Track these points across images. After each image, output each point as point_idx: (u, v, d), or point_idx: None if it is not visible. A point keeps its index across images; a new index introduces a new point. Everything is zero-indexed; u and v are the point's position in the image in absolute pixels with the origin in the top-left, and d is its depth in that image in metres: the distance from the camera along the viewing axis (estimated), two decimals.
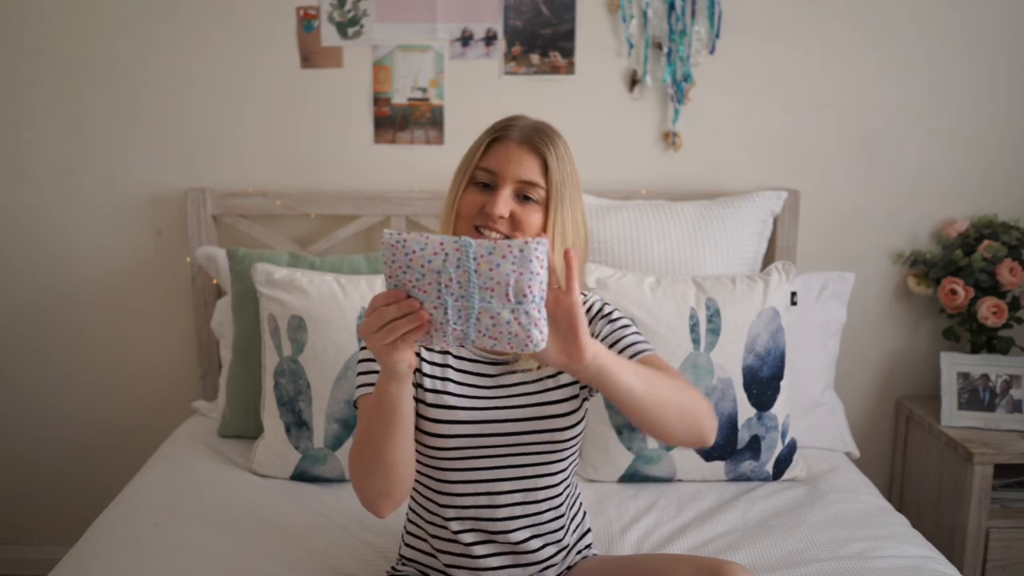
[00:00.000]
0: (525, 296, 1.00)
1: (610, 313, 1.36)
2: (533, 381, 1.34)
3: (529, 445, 1.33)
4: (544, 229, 1.26)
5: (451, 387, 1.33)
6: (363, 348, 1.36)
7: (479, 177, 1.27)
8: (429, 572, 1.42)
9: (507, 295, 1.00)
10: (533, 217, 1.26)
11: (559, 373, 1.34)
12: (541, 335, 1.02)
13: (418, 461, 1.37)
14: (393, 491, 1.21)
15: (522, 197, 1.26)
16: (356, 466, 1.23)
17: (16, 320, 2.42)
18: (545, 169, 1.26)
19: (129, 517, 1.70)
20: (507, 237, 1.24)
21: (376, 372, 1.30)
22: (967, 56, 2.30)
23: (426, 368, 1.34)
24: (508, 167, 1.25)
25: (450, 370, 1.34)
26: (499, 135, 1.28)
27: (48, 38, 2.27)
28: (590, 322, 1.37)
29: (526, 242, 1.00)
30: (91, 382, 2.45)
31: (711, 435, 1.24)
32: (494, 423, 1.32)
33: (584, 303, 1.38)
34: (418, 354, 1.35)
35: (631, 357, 1.28)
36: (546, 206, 1.26)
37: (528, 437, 1.32)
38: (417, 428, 1.33)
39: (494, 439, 1.32)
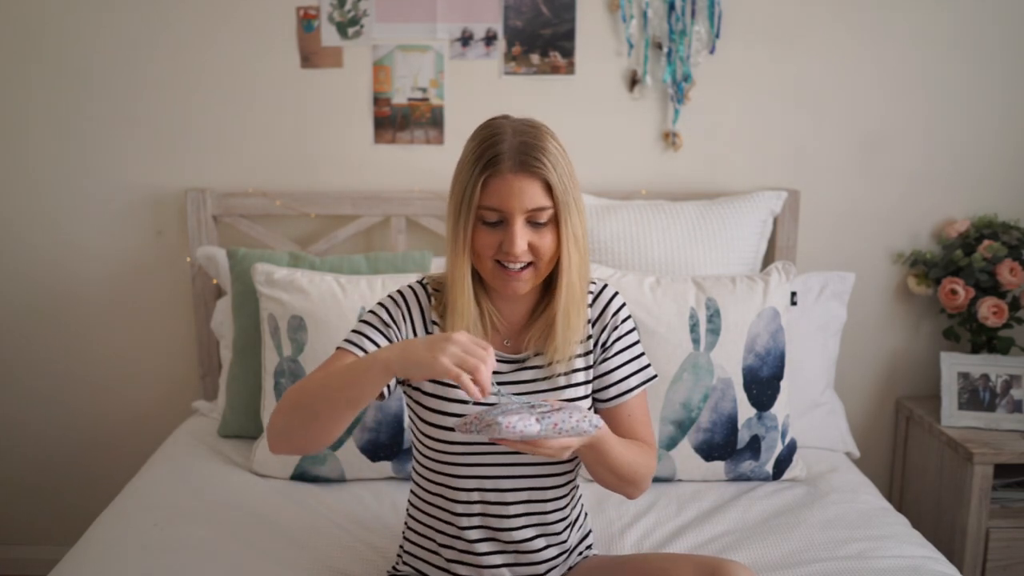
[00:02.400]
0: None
1: (624, 323, 1.38)
2: (545, 379, 1.34)
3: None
4: (558, 245, 1.27)
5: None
6: (374, 310, 1.35)
7: (486, 216, 1.25)
8: (430, 570, 1.43)
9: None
10: (547, 239, 1.26)
11: (572, 371, 1.35)
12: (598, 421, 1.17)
13: (428, 456, 1.37)
14: (303, 447, 1.23)
15: (533, 224, 1.26)
16: (291, 404, 1.22)
17: (16, 320, 2.42)
18: (548, 188, 1.24)
19: (129, 517, 1.70)
20: (529, 265, 1.27)
21: (372, 327, 1.31)
22: (967, 56, 2.30)
23: None
24: (513, 202, 1.23)
25: None
26: (492, 171, 1.23)
27: (48, 39, 2.27)
28: (598, 317, 1.38)
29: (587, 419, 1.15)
30: (91, 382, 2.45)
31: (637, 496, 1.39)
32: None
33: (598, 295, 1.39)
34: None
35: (614, 397, 1.36)
36: (556, 220, 1.26)
37: None
38: (427, 423, 1.34)
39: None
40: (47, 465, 2.50)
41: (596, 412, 1.40)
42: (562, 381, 1.35)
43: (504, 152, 1.23)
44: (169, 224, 2.37)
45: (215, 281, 2.29)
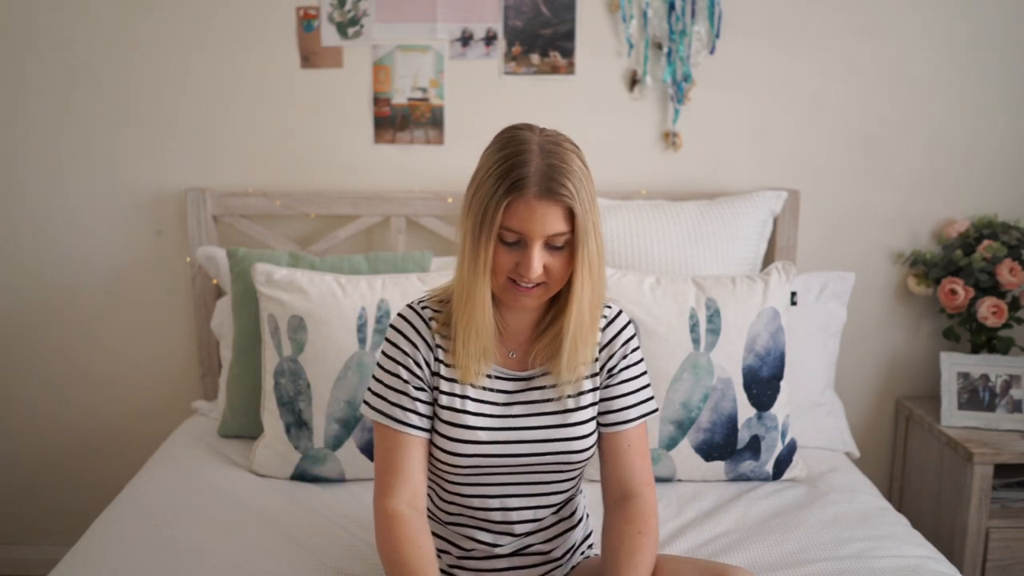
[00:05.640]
0: None
1: (633, 353, 1.37)
2: (554, 400, 1.33)
3: (546, 465, 1.32)
4: (573, 268, 1.24)
5: (469, 405, 1.31)
6: (385, 355, 1.33)
7: (505, 237, 1.21)
8: None
9: None
10: (561, 262, 1.23)
11: (581, 393, 1.33)
12: None
13: (431, 471, 1.36)
14: None
15: (550, 247, 1.22)
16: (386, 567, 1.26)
17: (16, 320, 2.42)
18: (570, 214, 1.20)
19: (129, 517, 1.70)
20: (539, 284, 1.24)
21: (400, 393, 1.29)
22: (967, 56, 2.30)
23: (444, 386, 1.32)
24: (534, 227, 1.19)
25: (468, 387, 1.32)
26: (516, 195, 1.18)
27: (48, 38, 2.27)
28: (608, 343, 1.36)
29: None
30: (91, 382, 2.45)
31: None
32: (511, 443, 1.31)
33: (612, 321, 1.37)
34: (438, 373, 1.32)
35: (612, 424, 1.35)
36: (572, 244, 1.22)
37: (546, 458, 1.32)
38: (432, 443, 1.32)
39: (510, 459, 1.31)
40: (47, 465, 2.50)
41: (598, 435, 1.38)
42: (571, 403, 1.33)
43: (530, 176, 1.18)
44: (169, 224, 2.37)
45: (215, 281, 2.29)
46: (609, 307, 1.38)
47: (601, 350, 1.36)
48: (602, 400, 1.36)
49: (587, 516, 1.51)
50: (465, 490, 1.34)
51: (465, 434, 1.30)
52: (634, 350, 1.37)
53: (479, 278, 1.23)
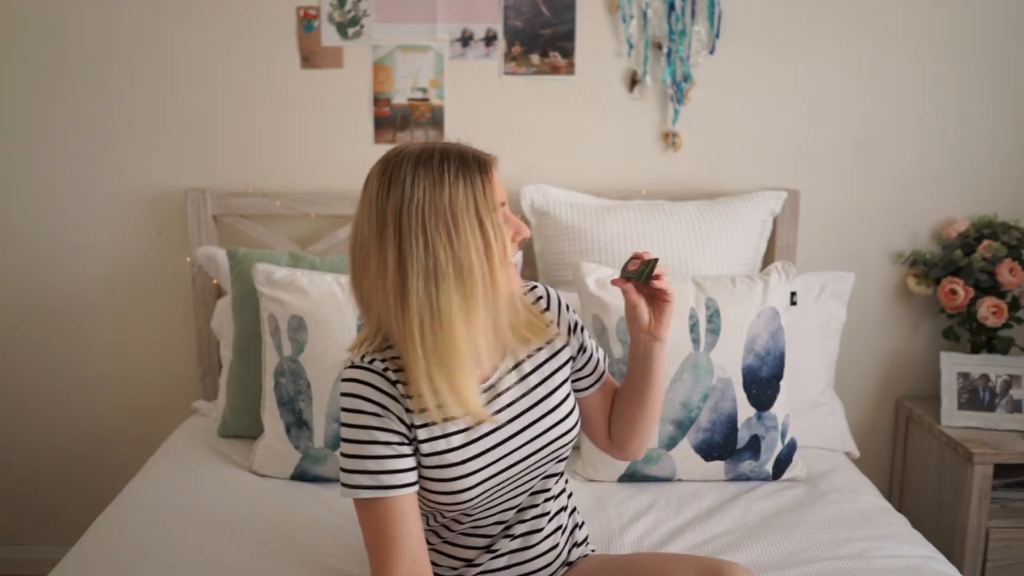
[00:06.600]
0: None
1: (575, 314, 1.40)
2: (524, 396, 1.30)
3: (541, 460, 1.31)
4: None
5: (454, 441, 1.24)
6: (350, 426, 1.20)
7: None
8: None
9: None
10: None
11: (549, 377, 1.32)
12: None
13: (431, 501, 1.30)
14: None
15: None
16: None
17: (16, 320, 2.42)
18: None
19: (129, 517, 1.70)
20: None
21: (380, 458, 1.18)
22: (966, 56, 2.30)
23: (422, 434, 1.22)
24: (503, 189, 1.21)
25: (449, 424, 1.22)
26: (489, 170, 1.17)
27: (48, 40, 2.27)
28: (559, 317, 1.37)
29: None
30: (91, 382, 2.45)
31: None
32: (506, 457, 1.27)
33: (547, 297, 1.38)
34: (413, 425, 1.22)
35: (599, 379, 1.41)
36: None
37: (541, 452, 1.30)
38: (427, 491, 1.25)
39: (508, 471, 1.27)
40: (47, 465, 2.50)
41: (579, 405, 1.40)
42: (541, 392, 1.31)
43: (475, 151, 1.18)
44: (169, 224, 2.37)
45: (215, 281, 2.29)
46: (535, 285, 1.38)
47: (559, 325, 1.37)
48: (579, 368, 1.39)
49: (570, 495, 1.49)
50: (463, 518, 1.31)
51: (458, 470, 1.23)
52: (573, 310, 1.41)
53: (505, 271, 1.18)
